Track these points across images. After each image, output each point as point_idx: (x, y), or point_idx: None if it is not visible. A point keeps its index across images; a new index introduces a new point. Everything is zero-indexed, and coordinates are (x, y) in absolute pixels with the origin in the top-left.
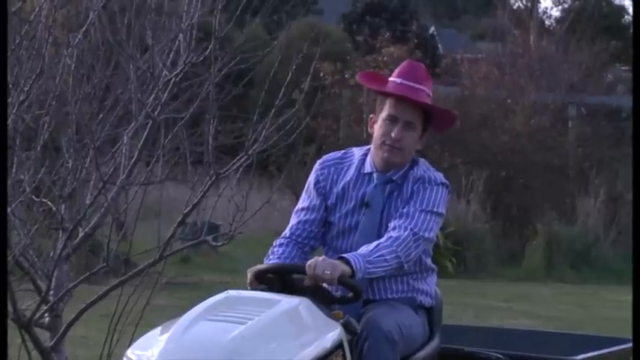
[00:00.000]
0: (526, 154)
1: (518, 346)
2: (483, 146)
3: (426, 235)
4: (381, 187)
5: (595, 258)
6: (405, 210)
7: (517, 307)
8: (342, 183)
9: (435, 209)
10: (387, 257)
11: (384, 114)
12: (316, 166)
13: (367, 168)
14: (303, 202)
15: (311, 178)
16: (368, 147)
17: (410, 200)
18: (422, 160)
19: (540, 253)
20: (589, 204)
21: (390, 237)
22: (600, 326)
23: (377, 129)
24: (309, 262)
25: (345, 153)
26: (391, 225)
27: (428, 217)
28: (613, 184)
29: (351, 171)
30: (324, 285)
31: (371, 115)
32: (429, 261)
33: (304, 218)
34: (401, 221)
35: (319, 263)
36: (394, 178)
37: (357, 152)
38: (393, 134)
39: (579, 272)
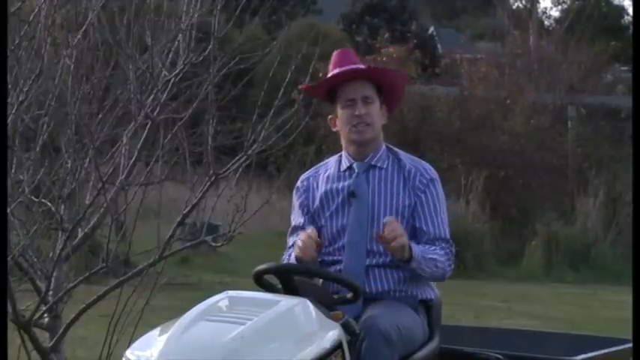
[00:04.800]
0: (525, 154)
1: (518, 346)
2: (483, 146)
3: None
4: (363, 175)
5: (594, 258)
6: (435, 231)
7: (516, 308)
8: (324, 185)
9: (445, 214)
10: (439, 265)
11: (341, 104)
12: (297, 184)
13: (345, 164)
14: (295, 221)
15: (294, 199)
16: (341, 152)
17: (426, 208)
18: (398, 150)
19: (539, 253)
20: (588, 204)
21: (437, 248)
22: (600, 326)
23: (340, 121)
24: (389, 219)
25: (319, 166)
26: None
27: (446, 226)
28: (612, 184)
29: (330, 172)
30: (323, 285)
31: (330, 117)
32: None
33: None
34: (439, 244)
35: (395, 226)
36: (373, 162)
37: (331, 159)
38: (357, 112)
39: (578, 272)
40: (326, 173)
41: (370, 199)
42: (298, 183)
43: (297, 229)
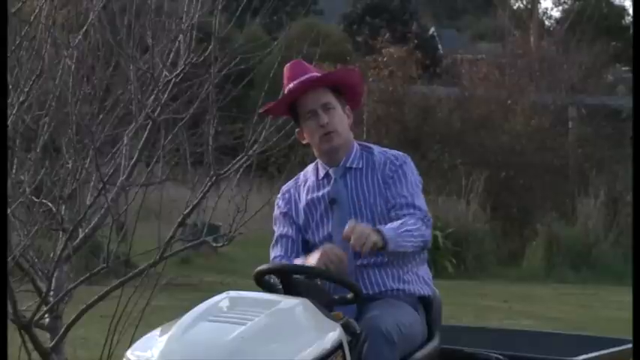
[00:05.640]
0: (526, 154)
1: (518, 347)
2: (483, 147)
3: (428, 213)
4: (341, 180)
5: (595, 258)
6: (401, 200)
7: (517, 308)
8: (305, 196)
9: (419, 185)
10: (414, 233)
11: (303, 116)
12: (278, 196)
13: (321, 172)
14: (280, 230)
15: (276, 211)
16: (316, 160)
17: (395, 186)
18: (372, 145)
19: (540, 253)
20: (589, 204)
21: (406, 218)
22: (600, 327)
23: (307, 133)
24: (348, 229)
25: (297, 176)
26: (397, 214)
27: (421, 196)
28: (613, 184)
29: (310, 182)
30: (322, 285)
31: (297, 130)
32: None
33: (289, 245)
34: (407, 210)
35: (357, 230)
36: (348, 165)
37: (308, 168)
38: (320, 122)
39: (579, 273)
40: (306, 184)
41: (351, 203)
42: (279, 195)
43: (284, 237)
